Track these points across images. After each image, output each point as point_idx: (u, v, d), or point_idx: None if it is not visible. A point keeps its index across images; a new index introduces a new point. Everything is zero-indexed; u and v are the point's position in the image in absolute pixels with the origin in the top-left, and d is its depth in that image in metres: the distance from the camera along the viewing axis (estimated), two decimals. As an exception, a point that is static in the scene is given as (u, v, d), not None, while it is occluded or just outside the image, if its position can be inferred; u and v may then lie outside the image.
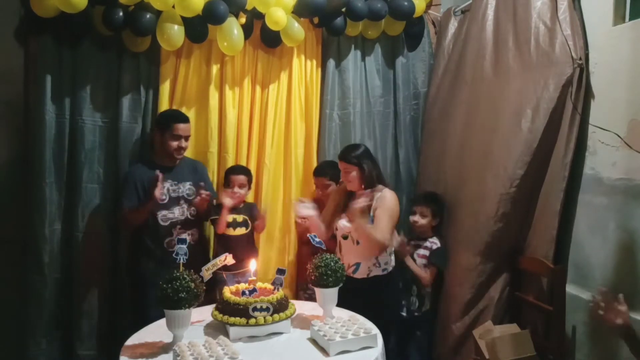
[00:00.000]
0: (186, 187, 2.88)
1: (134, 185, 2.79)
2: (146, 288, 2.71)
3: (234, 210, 2.97)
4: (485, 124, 2.98)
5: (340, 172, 2.84)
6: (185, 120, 2.90)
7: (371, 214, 2.64)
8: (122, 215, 2.81)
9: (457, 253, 3.03)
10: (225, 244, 2.92)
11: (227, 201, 2.90)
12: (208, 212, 2.97)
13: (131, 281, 2.91)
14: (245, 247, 2.97)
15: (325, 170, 3.13)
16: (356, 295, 2.40)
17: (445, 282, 3.10)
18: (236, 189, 2.96)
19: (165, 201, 2.81)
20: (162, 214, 2.81)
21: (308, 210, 2.70)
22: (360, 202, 2.56)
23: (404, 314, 3.05)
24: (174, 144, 2.83)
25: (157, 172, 2.73)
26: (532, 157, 2.71)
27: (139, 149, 3.02)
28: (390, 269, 2.75)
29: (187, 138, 2.89)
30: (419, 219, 3.12)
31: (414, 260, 3.06)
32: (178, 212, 2.84)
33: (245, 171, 3.06)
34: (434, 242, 3.12)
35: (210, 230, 3.14)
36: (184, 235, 2.73)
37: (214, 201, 2.99)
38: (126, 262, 2.95)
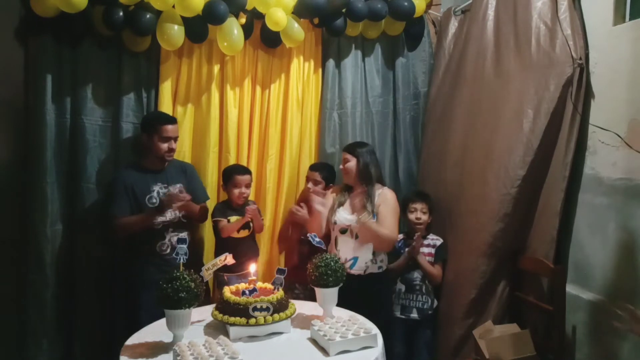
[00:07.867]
0: (176, 190, 2.80)
1: (124, 190, 2.76)
2: (138, 290, 2.71)
3: (236, 211, 2.97)
4: (487, 125, 2.98)
5: (333, 177, 3.08)
6: (173, 121, 2.87)
7: (374, 211, 2.70)
8: (115, 224, 2.75)
9: (459, 253, 3.02)
10: (228, 245, 2.89)
11: (248, 217, 2.91)
12: (203, 214, 2.98)
13: (122, 283, 2.86)
14: (248, 248, 2.97)
15: (321, 167, 3.16)
16: (352, 292, 2.38)
17: (447, 282, 3.10)
18: (243, 189, 2.97)
19: (156, 204, 2.78)
20: None
21: (322, 207, 2.77)
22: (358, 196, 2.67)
23: (415, 315, 3.01)
24: (164, 146, 2.80)
25: (180, 186, 2.77)
26: (534, 157, 2.71)
27: (132, 152, 3.00)
28: (384, 267, 2.80)
29: (175, 139, 2.86)
30: (422, 216, 3.11)
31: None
32: (170, 215, 2.80)
33: (248, 170, 3.06)
34: (436, 239, 3.12)
35: (205, 231, 3.13)
36: (183, 235, 2.73)
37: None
38: (119, 264, 2.90)
